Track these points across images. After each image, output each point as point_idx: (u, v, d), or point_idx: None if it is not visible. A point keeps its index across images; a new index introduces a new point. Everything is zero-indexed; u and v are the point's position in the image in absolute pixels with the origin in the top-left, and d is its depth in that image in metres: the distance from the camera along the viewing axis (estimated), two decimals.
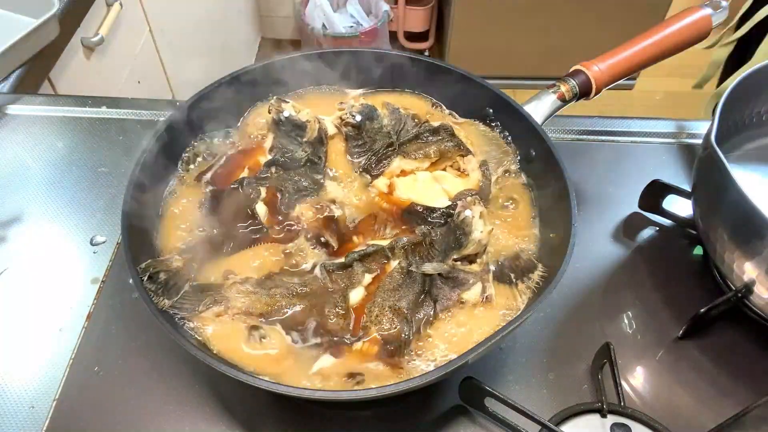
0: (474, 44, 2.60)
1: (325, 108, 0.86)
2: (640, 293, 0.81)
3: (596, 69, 0.80)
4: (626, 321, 0.79)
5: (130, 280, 0.64)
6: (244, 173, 0.79)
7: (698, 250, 0.84)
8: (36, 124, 1.01)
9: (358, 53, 0.85)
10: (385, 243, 0.71)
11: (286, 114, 0.80)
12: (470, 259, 0.70)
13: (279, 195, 0.75)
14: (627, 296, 0.81)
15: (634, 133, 0.99)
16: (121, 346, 0.75)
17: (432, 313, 0.66)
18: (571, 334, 0.77)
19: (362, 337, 0.65)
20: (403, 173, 0.80)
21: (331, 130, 0.83)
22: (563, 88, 0.80)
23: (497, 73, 2.63)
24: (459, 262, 0.69)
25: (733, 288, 0.74)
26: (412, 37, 2.82)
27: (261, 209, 0.74)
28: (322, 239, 0.73)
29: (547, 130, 0.75)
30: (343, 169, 0.81)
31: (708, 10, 0.82)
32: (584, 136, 0.99)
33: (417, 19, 2.72)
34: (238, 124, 0.85)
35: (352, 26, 2.58)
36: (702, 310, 0.73)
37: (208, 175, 0.79)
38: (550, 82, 0.81)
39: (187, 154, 0.80)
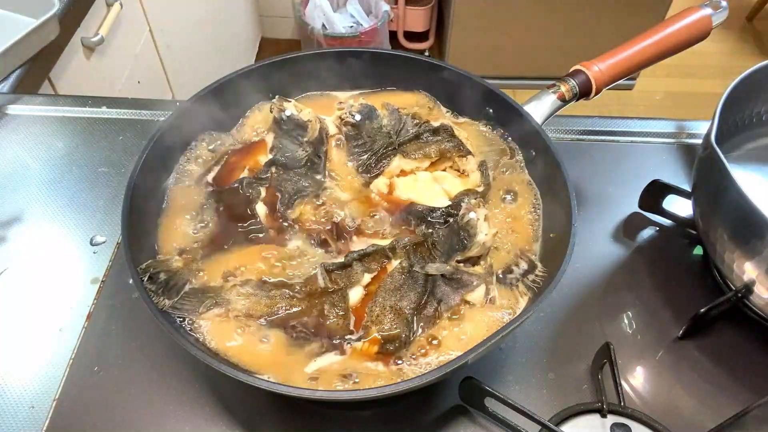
0: (474, 44, 2.60)
1: (325, 108, 0.86)
2: (640, 293, 0.81)
3: (596, 69, 0.80)
4: (626, 321, 0.79)
5: (130, 280, 0.64)
6: (244, 173, 0.79)
7: (698, 250, 0.85)
8: (36, 124, 1.01)
9: (358, 53, 0.85)
10: (385, 243, 0.71)
11: (287, 113, 0.80)
12: (473, 261, 0.70)
13: (279, 195, 0.75)
14: (627, 296, 0.81)
15: (634, 133, 0.99)
16: (121, 346, 0.75)
17: (435, 313, 0.66)
18: (571, 334, 0.77)
19: (362, 337, 0.65)
20: (403, 173, 0.80)
21: (332, 130, 0.83)
22: (563, 88, 0.80)
23: (497, 73, 2.63)
24: (462, 264, 0.69)
25: (733, 288, 0.74)
26: (412, 37, 2.82)
27: (261, 209, 0.74)
28: (322, 239, 0.73)
29: (547, 130, 0.75)
30: (343, 168, 0.81)
31: (708, 10, 0.82)
32: (584, 136, 0.99)
33: (417, 19, 2.72)
34: (239, 124, 0.85)
35: (352, 26, 2.58)
36: (702, 310, 0.73)
37: (209, 176, 0.79)
38: (550, 82, 0.81)
39: (187, 154, 0.80)
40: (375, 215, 0.75)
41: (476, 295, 0.67)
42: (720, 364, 0.75)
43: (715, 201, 0.72)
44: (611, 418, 0.67)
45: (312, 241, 0.73)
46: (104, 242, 0.86)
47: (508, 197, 0.78)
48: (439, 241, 0.70)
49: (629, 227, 0.88)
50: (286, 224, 0.74)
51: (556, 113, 0.80)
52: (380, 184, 0.79)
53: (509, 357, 0.74)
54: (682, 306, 0.78)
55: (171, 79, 1.81)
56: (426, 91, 0.88)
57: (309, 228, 0.74)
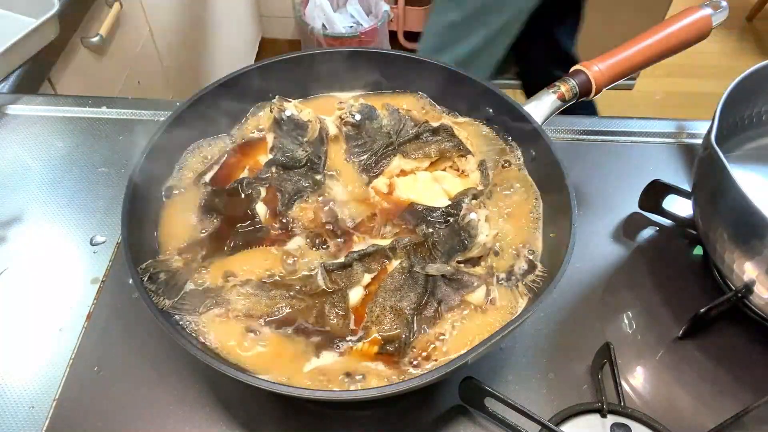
0: None
1: (325, 108, 0.86)
2: (640, 293, 0.81)
3: (596, 69, 0.80)
4: (626, 321, 0.79)
5: (130, 280, 0.64)
6: (244, 173, 0.79)
7: (698, 250, 0.84)
8: (36, 124, 1.01)
9: (358, 53, 0.85)
10: (385, 243, 0.71)
11: (288, 113, 0.80)
12: (473, 262, 0.70)
13: (279, 195, 0.75)
14: (627, 296, 0.81)
15: (634, 133, 0.99)
16: (121, 346, 0.75)
17: (435, 314, 0.66)
18: (571, 335, 0.77)
19: (363, 337, 0.65)
20: (403, 173, 0.80)
21: (332, 130, 0.83)
22: (563, 88, 0.80)
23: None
24: (462, 265, 0.69)
25: (733, 288, 0.74)
26: (412, 37, 2.82)
27: (261, 209, 0.74)
28: (322, 239, 0.73)
29: (547, 130, 0.75)
30: (343, 168, 0.81)
31: (708, 10, 0.82)
32: (584, 136, 0.99)
33: (417, 19, 2.72)
34: (239, 124, 0.85)
35: (352, 26, 2.58)
36: (702, 310, 0.73)
37: (208, 175, 0.79)
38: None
39: (187, 154, 0.80)
40: (375, 215, 0.76)
41: (477, 295, 0.67)
42: (720, 364, 0.75)
43: (715, 201, 0.72)
44: (611, 418, 0.67)
45: (312, 241, 0.73)
46: (104, 242, 0.86)
47: (508, 197, 0.78)
48: (439, 242, 0.70)
49: (629, 227, 0.88)
50: (286, 224, 0.74)
51: (556, 113, 0.80)
52: (380, 184, 0.79)
53: (509, 357, 0.74)
54: (682, 306, 0.78)
55: (171, 79, 1.81)
56: (426, 91, 0.88)
57: (309, 228, 0.74)
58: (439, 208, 0.74)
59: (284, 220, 0.74)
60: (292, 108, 0.80)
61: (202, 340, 0.64)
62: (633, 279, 0.82)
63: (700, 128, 0.99)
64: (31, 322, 0.78)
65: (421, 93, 0.88)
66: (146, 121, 1.02)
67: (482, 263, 0.70)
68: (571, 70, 0.82)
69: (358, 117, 0.81)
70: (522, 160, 0.80)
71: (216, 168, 0.80)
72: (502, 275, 0.69)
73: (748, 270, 0.69)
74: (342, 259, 0.69)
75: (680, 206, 0.86)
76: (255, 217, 0.74)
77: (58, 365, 0.74)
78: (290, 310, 0.66)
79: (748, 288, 0.71)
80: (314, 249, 0.72)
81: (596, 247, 0.85)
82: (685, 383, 0.73)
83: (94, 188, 0.92)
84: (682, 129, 1.00)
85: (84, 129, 1.01)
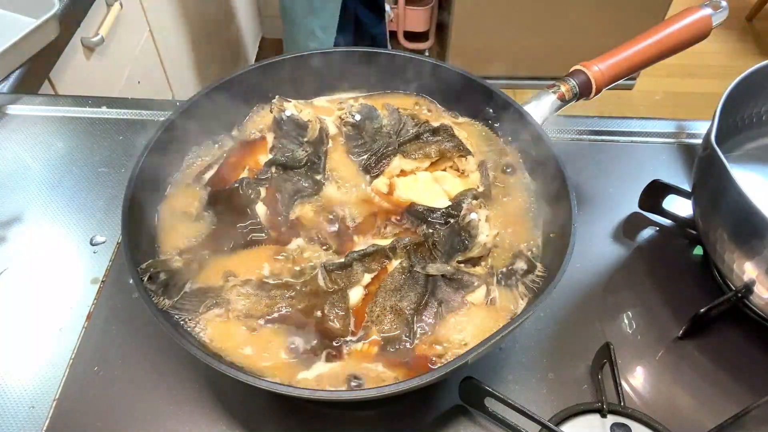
0: (474, 44, 2.60)
1: (325, 108, 0.86)
2: (640, 293, 0.81)
3: (596, 69, 0.80)
4: (626, 321, 0.79)
5: (130, 280, 0.64)
6: (244, 173, 0.79)
7: (698, 250, 0.84)
8: (36, 124, 1.01)
9: (358, 53, 0.85)
10: (385, 243, 0.71)
11: (288, 113, 0.80)
12: (474, 262, 0.70)
13: (279, 195, 0.75)
14: (627, 296, 0.81)
15: (634, 133, 0.99)
16: (121, 346, 0.75)
17: (435, 314, 0.66)
18: (571, 334, 0.77)
19: (363, 337, 0.65)
20: (403, 173, 0.80)
21: (332, 130, 0.83)
22: (563, 88, 0.80)
23: (497, 73, 2.63)
24: (463, 265, 0.69)
25: (733, 288, 0.74)
26: (412, 37, 2.82)
27: (261, 209, 0.74)
28: (322, 239, 0.73)
29: (547, 130, 0.75)
30: (343, 168, 0.81)
31: (708, 10, 0.82)
32: (584, 136, 0.99)
33: (417, 19, 2.72)
34: (238, 125, 0.85)
35: None
36: (702, 310, 0.73)
37: (208, 175, 0.79)
38: (550, 82, 0.81)
39: (187, 155, 0.81)
40: (375, 215, 0.75)
41: (477, 295, 0.67)
42: (720, 364, 0.75)
43: (715, 201, 0.72)
44: (611, 418, 0.67)
45: (312, 241, 0.73)
46: (104, 242, 0.86)
47: (508, 197, 0.78)
48: (439, 242, 0.70)
49: (629, 227, 0.88)
50: (286, 224, 0.74)
51: (556, 113, 0.80)
52: (380, 184, 0.79)
53: (509, 357, 0.74)
54: (682, 306, 0.78)
55: (171, 79, 1.81)
56: (426, 91, 0.88)
57: (309, 228, 0.74)
58: (439, 209, 0.74)
59: (284, 220, 0.74)
60: (292, 108, 0.80)
61: (202, 340, 0.64)
62: (633, 279, 0.82)
63: (700, 128, 0.99)
64: (31, 322, 0.78)
65: (421, 93, 0.88)
66: (146, 121, 1.02)
67: (482, 263, 0.70)
68: (571, 69, 0.82)
69: (358, 117, 0.81)
70: (522, 160, 0.80)
71: (216, 168, 0.80)
72: (502, 275, 0.69)
73: (748, 270, 0.69)
74: (342, 259, 0.69)
75: (680, 206, 0.86)
76: (255, 217, 0.74)
77: (58, 365, 0.74)
78: (290, 310, 0.66)
79: (748, 288, 0.71)
80: (314, 249, 0.72)
81: (596, 247, 0.85)
82: (685, 383, 0.73)
83: (94, 188, 0.92)
84: (682, 129, 1.00)
85: (84, 129, 1.01)
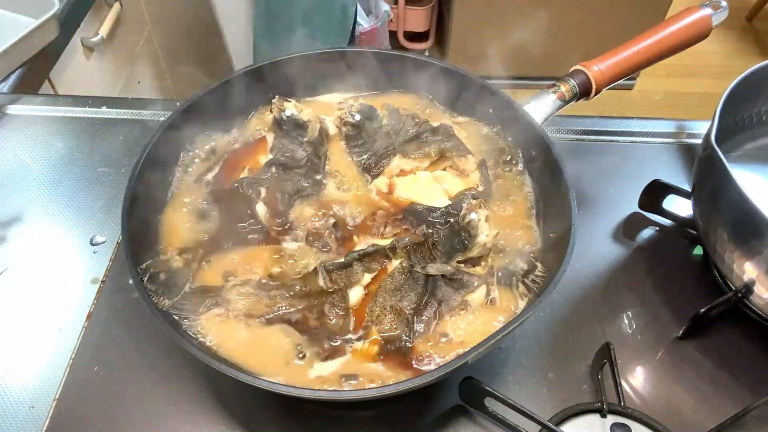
0: (474, 44, 2.60)
1: (325, 108, 0.86)
2: (640, 293, 0.81)
3: (596, 69, 0.80)
4: (626, 321, 0.78)
5: (130, 280, 0.64)
6: (244, 173, 0.79)
7: (698, 250, 0.84)
8: (36, 124, 1.01)
9: (358, 53, 0.85)
10: (385, 243, 0.71)
11: (288, 113, 0.80)
12: (474, 262, 0.70)
13: (279, 195, 0.75)
14: (627, 296, 0.81)
15: (634, 133, 0.99)
16: (121, 346, 0.75)
17: (435, 314, 0.66)
18: (571, 334, 0.77)
19: (363, 337, 0.65)
20: (403, 173, 0.80)
21: (332, 130, 0.83)
22: (563, 88, 0.80)
23: (497, 73, 2.63)
24: (463, 265, 0.69)
25: (733, 288, 0.74)
26: (412, 37, 2.82)
27: (261, 209, 0.74)
28: (322, 239, 0.73)
29: (547, 130, 0.75)
30: (343, 168, 0.81)
31: (708, 10, 0.82)
32: (584, 136, 0.99)
33: (417, 19, 2.72)
34: (239, 125, 0.85)
35: None
36: (702, 310, 0.73)
37: (209, 176, 0.79)
38: (550, 82, 0.81)
39: (187, 155, 0.80)
40: (375, 215, 0.75)
41: (477, 295, 0.67)
42: (720, 364, 0.74)
43: (715, 201, 0.72)
44: (611, 418, 0.67)
45: (312, 241, 0.73)
46: (104, 242, 0.86)
47: (508, 197, 0.78)
48: (439, 242, 0.70)
49: (629, 227, 0.88)
50: (286, 224, 0.74)
51: (556, 113, 0.80)
52: (380, 183, 0.79)
53: (509, 357, 0.74)
54: (682, 306, 0.78)
55: (171, 79, 1.81)
56: (426, 91, 0.88)
57: (309, 228, 0.74)
58: (439, 208, 0.74)
59: (284, 220, 0.74)
60: (292, 108, 0.80)
61: (202, 340, 0.64)
62: (633, 279, 0.82)
63: (700, 128, 0.99)
64: (31, 322, 0.78)
65: (421, 93, 0.88)
66: (146, 121, 1.02)
67: (482, 263, 0.70)
68: (571, 69, 0.82)
69: (358, 117, 0.81)
70: (522, 160, 0.80)
71: (216, 168, 0.80)
72: (502, 275, 0.69)
73: (748, 270, 0.69)
74: (342, 259, 0.69)
75: (680, 206, 0.86)
76: (255, 217, 0.74)
77: (58, 365, 0.74)
78: (290, 309, 0.66)
79: (748, 288, 0.71)
80: (314, 249, 0.72)
81: (596, 247, 0.85)
82: (685, 383, 0.73)
83: (94, 188, 0.92)
84: (682, 129, 1.00)
85: (84, 129, 1.01)
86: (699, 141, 0.97)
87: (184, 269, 0.69)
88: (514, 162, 0.80)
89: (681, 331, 0.76)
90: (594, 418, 0.67)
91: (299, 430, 0.70)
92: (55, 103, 1.05)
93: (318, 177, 0.78)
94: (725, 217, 0.71)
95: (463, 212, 0.70)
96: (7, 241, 0.86)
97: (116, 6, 1.41)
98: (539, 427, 0.65)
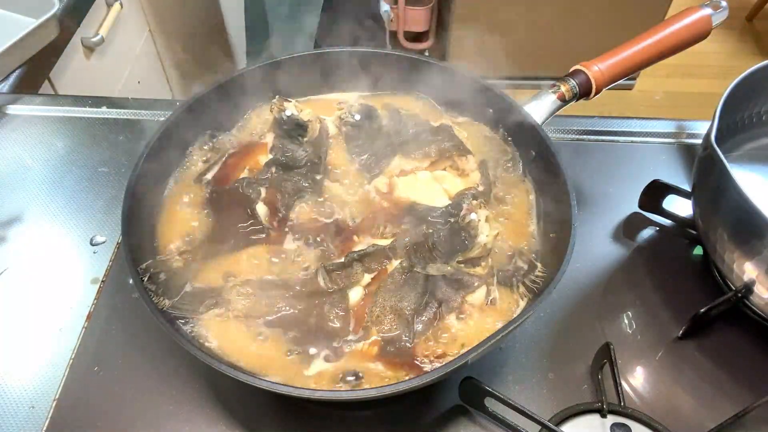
0: (474, 44, 2.59)
1: (325, 108, 0.86)
2: (640, 293, 0.81)
3: (596, 69, 0.80)
4: (626, 321, 0.78)
5: (130, 280, 0.64)
6: (245, 173, 0.79)
7: (698, 250, 0.84)
8: (36, 124, 1.01)
9: (358, 53, 0.85)
10: (385, 243, 0.71)
11: (288, 113, 0.80)
12: (474, 262, 0.70)
13: (279, 195, 0.75)
14: (627, 296, 0.81)
15: (634, 133, 0.99)
16: (121, 346, 0.75)
17: (435, 314, 0.66)
18: (571, 334, 0.77)
19: (363, 337, 0.65)
20: (403, 173, 0.80)
21: (332, 130, 0.83)
22: (563, 88, 0.80)
23: (497, 73, 2.63)
24: (463, 265, 0.69)
25: (733, 288, 0.74)
26: (412, 37, 2.82)
27: (261, 209, 0.74)
28: (322, 239, 0.73)
29: (547, 130, 0.75)
30: (343, 168, 0.81)
31: (708, 10, 0.82)
32: (584, 136, 0.99)
33: (417, 19, 2.72)
34: (239, 125, 0.85)
35: None
36: (702, 310, 0.73)
37: (209, 176, 0.79)
38: (550, 82, 0.81)
39: (187, 155, 0.80)
40: (375, 215, 0.75)
41: (477, 296, 0.67)
42: (720, 364, 0.75)
43: (715, 201, 0.72)
44: (611, 418, 0.67)
45: (312, 241, 0.73)
46: (104, 242, 0.86)
47: (508, 197, 0.78)
48: (439, 242, 0.70)
49: (629, 227, 0.88)
50: (286, 224, 0.74)
51: (556, 113, 0.80)
52: (380, 183, 0.78)
53: (509, 357, 0.74)
54: (682, 306, 0.78)
55: (171, 79, 1.81)
56: (426, 91, 0.88)
57: (309, 228, 0.74)
58: (439, 208, 0.74)
59: (284, 221, 0.74)
60: (292, 108, 0.80)
61: (202, 340, 0.64)
62: (633, 279, 0.82)
63: (700, 128, 0.99)
64: (31, 322, 0.78)
65: (421, 93, 0.88)
66: (146, 121, 1.02)
67: (482, 263, 0.70)
68: (571, 69, 0.82)
69: (358, 117, 0.81)
70: (522, 160, 0.80)
71: (216, 168, 0.80)
72: (502, 276, 0.69)
73: (748, 270, 0.69)
74: (342, 259, 0.69)
75: (680, 206, 0.86)
76: (255, 217, 0.74)
77: (58, 365, 0.74)
78: (290, 310, 0.66)
79: (748, 288, 0.71)
80: (314, 249, 0.72)
81: (596, 247, 0.85)
82: (685, 383, 0.73)
83: (94, 188, 0.92)
84: (682, 129, 1.00)
85: (84, 129, 1.01)
86: (699, 141, 0.97)
87: (184, 269, 0.69)
88: (514, 162, 0.80)
89: (681, 331, 0.76)
90: (594, 418, 0.67)
91: (299, 430, 0.70)
92: (55, 103, 1.05)
93: (318, 177, 0.78)
94: (725, 217, 0.71)
95: (463, 212, 0.70)
96: (7, 241, 0.86)
97: (116, 6, 1.41)
98: (539, 427, 0.65)
